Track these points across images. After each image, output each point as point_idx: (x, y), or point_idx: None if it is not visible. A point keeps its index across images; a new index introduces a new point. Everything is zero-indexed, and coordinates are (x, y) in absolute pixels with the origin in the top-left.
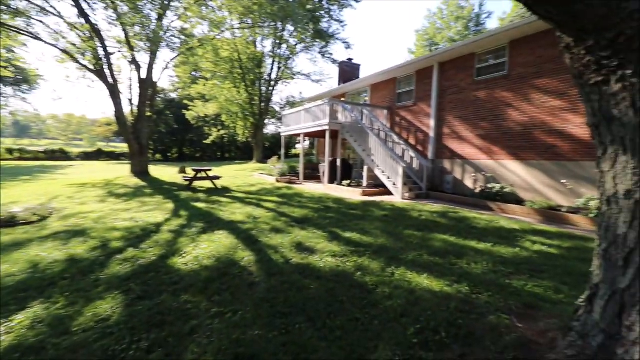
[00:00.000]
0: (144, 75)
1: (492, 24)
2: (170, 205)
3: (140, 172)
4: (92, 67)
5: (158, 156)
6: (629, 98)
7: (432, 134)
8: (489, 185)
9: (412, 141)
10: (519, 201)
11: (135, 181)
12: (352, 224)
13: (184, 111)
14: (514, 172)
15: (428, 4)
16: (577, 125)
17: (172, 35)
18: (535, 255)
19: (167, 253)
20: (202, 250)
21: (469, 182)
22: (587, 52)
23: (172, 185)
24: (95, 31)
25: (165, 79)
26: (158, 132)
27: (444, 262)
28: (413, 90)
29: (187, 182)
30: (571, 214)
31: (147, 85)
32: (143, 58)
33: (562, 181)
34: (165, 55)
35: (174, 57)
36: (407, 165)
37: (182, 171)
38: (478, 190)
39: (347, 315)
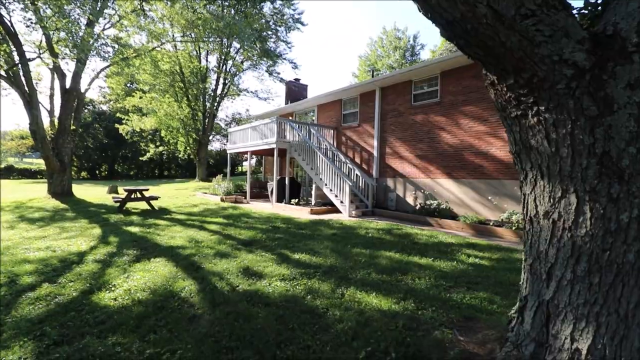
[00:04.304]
0: (68, 84)
1: (425, 55)
2: (97, 231)
3: (61, 192)
4: (3, 74)
5: (84, 174)
6: (543, 130)
7: (375, 153)
8: (428, 202)
9: (357, 160)
10: (454, 216)
11: (54, 203)
12: (302, 244)
13: (117, 125)
14: (449, 189)
15: (370, 33)
16: (499, 148)
17: (104, 44)
18: (470, 268)
19: (92, 287)
20: (134, 281)
21: (410, 199)
22: (508, 89)
23: (100, 207)
24: (10, 34)
25: (95, 89)
26: (85, 147)
27: (390, 279)
28: (357, 112)
29: (118, 204)
30: (497, 227)
31: (72, 96)
32: (68, 66)
33: (489, 197)
34: (95, 64)
35: (106, 67)
36: (353, 183)
37: (113, 191)
38: (418, 206)
39: (298, 343)
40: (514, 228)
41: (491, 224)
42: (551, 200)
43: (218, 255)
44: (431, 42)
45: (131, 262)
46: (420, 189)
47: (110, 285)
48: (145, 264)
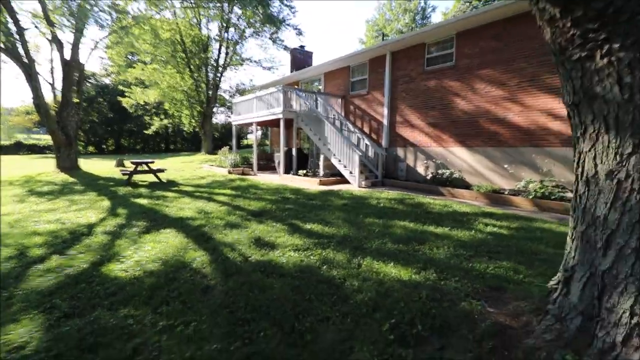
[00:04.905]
0: (68, 55)
1: (436, 18)
2: (106, 203)
3: (69, 166)
4: (1, 45)
5: (91, 148)
6: (614, 74)
7: (385, 122)
8: (440, 172)
9: (366, 129)
10: (467, 186)
11: (63, 177)
12: (313, 215)
13: (120, 98)
14: (462, 158)
15: None
16: (517, 114)
17: (101, 11)
18: (489, 237)
19: (102, 259)
20: (145, 253)
21: (421, 169)
22: (573, 24)
23: (108, 181)
24: (4, 2)
25: (96, 61)
26: (90, 122)
27: (407, 249)
28: (366, 79)
29: (125, 177)
30: (513, 196)
31: (72, 68)
32: (67, 36)
33: (505, 166)
34: (94, 33)
35: (105, 37)
36: (362, 153)
37: (120, 164)
38: (430, 176)
39: (316, 314)
40: (531, 197)
41: (506, 193)
42: (617, 158)
43: (228, 226)
44: (442, 4)
45: (141, 234)
46: (432, 158)
47: (121, 257)
48: (155, 235)
